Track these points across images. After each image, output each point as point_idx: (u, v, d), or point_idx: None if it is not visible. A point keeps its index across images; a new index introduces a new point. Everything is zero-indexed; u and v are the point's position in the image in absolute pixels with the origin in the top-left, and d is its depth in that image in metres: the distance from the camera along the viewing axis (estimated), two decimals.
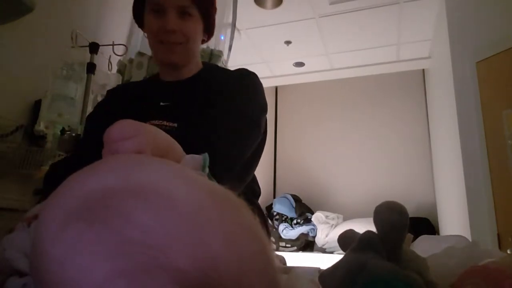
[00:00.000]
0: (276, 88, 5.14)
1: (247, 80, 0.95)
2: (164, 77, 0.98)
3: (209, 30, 0.97)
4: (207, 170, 0.48)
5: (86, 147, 0.95)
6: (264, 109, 0.94)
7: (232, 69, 1.04)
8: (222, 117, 0.85)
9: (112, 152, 0.37)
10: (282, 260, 0.82)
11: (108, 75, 1.90)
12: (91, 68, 1.79)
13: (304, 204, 4.31)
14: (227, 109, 0.86)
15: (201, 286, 0.24)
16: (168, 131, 0.82)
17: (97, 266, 0.24)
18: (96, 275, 0.23)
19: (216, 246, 0.26)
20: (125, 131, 0.39)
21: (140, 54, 2.21)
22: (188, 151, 0.79)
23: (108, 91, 1.09)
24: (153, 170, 0.31)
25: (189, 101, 0.91)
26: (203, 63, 1.02)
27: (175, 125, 0.86)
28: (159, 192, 0.28)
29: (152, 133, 0.45)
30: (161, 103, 0.91)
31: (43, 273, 0.25)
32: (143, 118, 0.87)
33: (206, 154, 0.49)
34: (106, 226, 0.25)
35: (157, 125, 0.84)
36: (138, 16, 0.96)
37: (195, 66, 0.98)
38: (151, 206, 0.26)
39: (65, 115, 1.62)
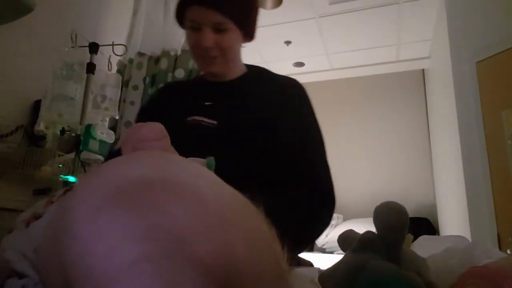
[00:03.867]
0: None
1: (303, 101, 1.00)
2: (209, 78, 1.01)
3: (249, 35, 0.98)
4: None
5: None
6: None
7: None
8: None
9: (139, 150, 0.39)
10: (311, 265, 0.85)
11: (108, 75, 1.90)
12: (91, 68, 1.79)
13: None
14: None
15: (220, 280, 0.25)
16: (206, 127, 0.87)
17: (125, 249, 0.24)
18: (123, 257, 0.24)
19: (237, 245, 0.27)
20: (156, 132, 0.42)
21: (140, 54, 2.22)
22: (226, 150, 0.82)
23: (157, 90, 1.13)
24: (185, 168, 0.33)
25: (231, 102, 0.94)
26: (248, 66, 1.04)
27: (215, 122, 0.88)
28: (190, 188, 0.29)
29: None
30: (205, 103, 0.94)
31: (69, 256, 0.25)
32: (185, 115, 0.90)
33: (212, 158, 0.49)
34: (138, 212, 0.26)
35: (198, 121, 0.88)
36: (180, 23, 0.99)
37: (238, 69, 1.00)
38: (182, 200, 0.28)
39: (65, 115, 1.62)
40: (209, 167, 0.48)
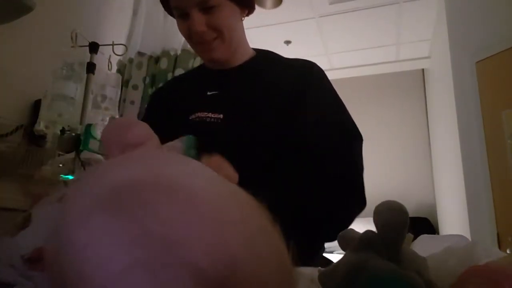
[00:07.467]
0: None
1: (319, 81, 0.88)
2: (212, 66, 0.93)
3: (246, 6, 0.86)
4: (192, 152, 0.45)
5: None
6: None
7: None
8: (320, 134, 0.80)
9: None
10: None
11: (108, 75, 1.90)
12: (91, 68, 1.79)
13: None
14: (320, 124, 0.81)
15: (217, 284, 0.24)
16: (212, 123, 0.81)
17: (117, 255, 0.24)
18: (115, 264, 0.24)
19: (235, 247, 0.26)
20: (144, 135, 0.40)
21: (140, 54, 2.22)
22: (232, 144, 0.76)
23: (156, 90, 1.05)
24: (179, 168, 0.32)
25: (238, 91, 0.86)
26: (256, 50, 0.95)
27: (221, 116, 0.82)
28: (185, 189, 0.28)
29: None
30: (208, 93, 0.87)
31: (63, 261, 0.25)
32: (190, 111, 0.84)
33: (191, 136, 0.47)
34: (130, 217, 0.25)
35: (202, 117, 0.82)
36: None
37: (244, 52, 0.91)
38: (176, 202, 0.27)
39: (65, 115, 1.62)
40: (187, 147, 0.45)
